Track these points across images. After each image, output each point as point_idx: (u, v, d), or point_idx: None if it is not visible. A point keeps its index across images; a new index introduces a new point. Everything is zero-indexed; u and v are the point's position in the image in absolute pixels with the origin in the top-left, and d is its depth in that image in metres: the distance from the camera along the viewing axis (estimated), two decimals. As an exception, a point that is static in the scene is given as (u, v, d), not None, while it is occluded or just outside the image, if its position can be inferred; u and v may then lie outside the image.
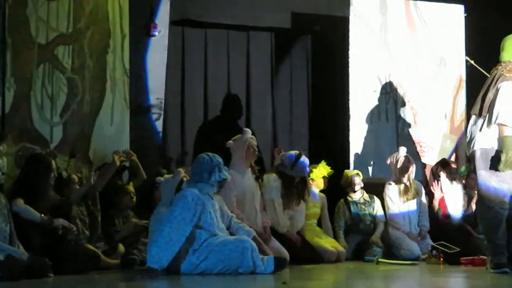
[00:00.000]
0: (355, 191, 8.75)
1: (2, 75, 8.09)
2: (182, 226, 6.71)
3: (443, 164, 8.96)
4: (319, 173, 8.46)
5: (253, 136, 7.99)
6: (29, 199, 6.80)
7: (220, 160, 6.99)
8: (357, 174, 8.85)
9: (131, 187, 8.01)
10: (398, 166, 8.67)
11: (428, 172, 9.53)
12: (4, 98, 8.08)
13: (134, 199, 7.97)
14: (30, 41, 8.32)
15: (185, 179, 7.43)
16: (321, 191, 8.61)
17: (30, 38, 8.33)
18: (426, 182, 9.38)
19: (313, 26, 10.14)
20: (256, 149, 7.98)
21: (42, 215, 6.78)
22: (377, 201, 8.76)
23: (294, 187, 8.08)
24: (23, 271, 6.22)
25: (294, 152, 8.22)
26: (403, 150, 8.79)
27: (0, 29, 8.11)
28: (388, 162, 8.80)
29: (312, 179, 8.45)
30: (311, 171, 8.40)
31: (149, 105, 9.14)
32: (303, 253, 7.85)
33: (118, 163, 7.73)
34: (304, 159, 8.13)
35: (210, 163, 6.90)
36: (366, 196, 8.76)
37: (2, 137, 7.69)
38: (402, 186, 8.66)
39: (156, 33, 9.18)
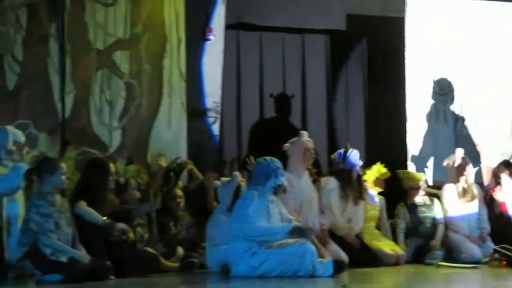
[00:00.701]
0: (418, 195, 8.63)
1: (62, 80, 8.22)
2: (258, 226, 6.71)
3: (506, 164, 8.82)
4: (372, 174, 8.39)
5: (309, 139, 7.96)
6: (89, 202, 6.88)
7: (278, 164, 6.98)
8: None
9: (179, 191, 8.05)
10: (455, 168, 8.56)
11: (487, 174, 9.38)
12: (64, 103, 8.20)
13: (182, 203, 7.99)
14: (88, 47, 8.45)
15: (242, 183, 7.46)
16: (379, 193, 8.53)
17: (89, 44, 8.45)
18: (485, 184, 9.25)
19: (369, 28, 10.06)
20: (313, 151, 7.95)
21: (104, 218, 6.86)
22: (437, 203, 8.65)
23: (351, 185, 8.02)
24: (85, 273, 6.32)
25: (341, 150, 8.19)
26: (460, 152, 8.67)
27: (60, 36, 8.24)
28: (445, 164, 8.70)
29: (365, 180, 8.38)
30: (364, 173, 8.35)
31: (206, 108, 9.19)
32: (362, 256, 7.79)
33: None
34: (352, 152, 8.08)
35: (267, 168, 6.91)
36: (426, 198, 8.65)
37: (67, 142, 7.79)
38: (460, 188, 8.55)
39: (212, 37, 9.23)
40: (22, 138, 7.10)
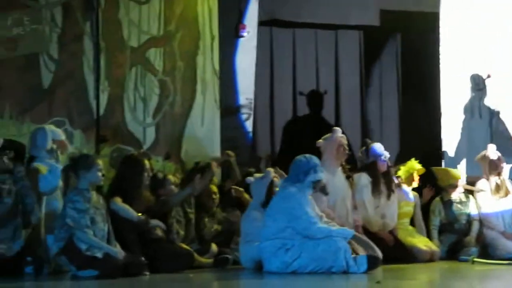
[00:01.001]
0: (456, 192, 8.57)
1: (97, 78, 8.29)
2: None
3: None
4: (406, 170, 8.34)
5: (343, 135, 7.95)
6: (125, 199, 6.93)
7: (317, 161, 6.97)
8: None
9: (214, 187, 8.08)
10: (488, 163, 8.49)
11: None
12: (98, 101, 8.27)
13: (217, 199, 8.01)
14: (122, 44, 8.51)
15: (275, 179, 7.46)
16: (413, 189, 8.48)
17: (123, 41, 8.52)
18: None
19: (403, 23, 10.01)
20: (347, 148, 7.93)
21: (139, 214, 6.91)
22: (472, 200, 8.58)
23: (380, 178, 7.99)
24: (120, 269, 6.36)
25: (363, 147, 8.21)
26: (492, 148, 8.59)
27: (94, 33, 8.31)
28: (478, 159, 8.62)
29: (400, 176, 8.34)
30: (399, 169, 8.31)
31: (239, 105, 9.22)
32: (396, 253, 7.75)
33: (215, 170, 7.80)
34: (373, 145, 8.05)
35: (307, 165, 6.90)
36: (462, 195, 8.58)
37: (103, 139, 7.86)
38: (493, 184, 8.47)
39: (245, 34, 9.26)
40: (61, 136, 7.20)
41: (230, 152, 8.35)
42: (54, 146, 7.08)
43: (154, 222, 6.98)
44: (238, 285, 6.53)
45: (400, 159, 8.50)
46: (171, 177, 7.77)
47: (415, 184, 8.44)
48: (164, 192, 7.57)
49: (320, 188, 7.02)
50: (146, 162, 7.21)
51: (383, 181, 8.06)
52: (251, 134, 9.28)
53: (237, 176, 8.27)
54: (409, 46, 10.19)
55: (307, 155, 7.03)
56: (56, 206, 6.90)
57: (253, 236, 7.20)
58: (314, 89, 9.97)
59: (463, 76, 9.61)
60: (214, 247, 7.63)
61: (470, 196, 8.60)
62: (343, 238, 6.71)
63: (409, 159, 8.50)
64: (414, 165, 8.37)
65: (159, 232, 7.08)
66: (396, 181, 8.23)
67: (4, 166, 6.73)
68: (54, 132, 7.14)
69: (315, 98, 9.90)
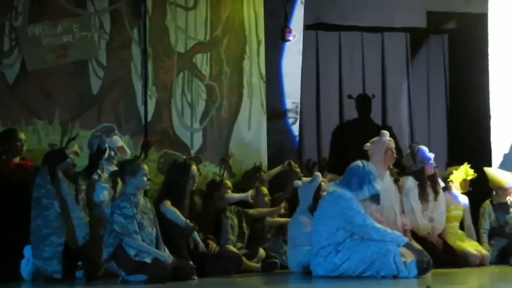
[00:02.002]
0: (508, 195, 8.45)
1: (145, 84, 8.37)
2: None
3: None
4: (459, 175, 8.25)
5: (391, 138, 7.90)
6: (173, 203, 6.98)
7: (372, 170, 6.91)
8: None
9: (264, 188, 8.10)
10: None
11: None
12: (146, 106, 8.35)
13: (267, 199, 8.04)
14: (170, 50, 8.57)
15: (323, 184, 7.44)
16: (462, 193, 8.39)
17: (170, 47, 8.58)
18: None
19: (449, 25, 9.91)
20: (394, 151, 7.88)
21: (188, 220, 6.95)
22: (523, 203, 8.46)
23: (427, 183, 7.93)
24: (169, 274, 6.40)
25: (408, 151, 8.16)
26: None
27: (142, 40, 8.39)
28: None
29: (452, 181, 8.26)
30: (451, 173, 8.22)
31: (285, 109, 9.23)
32: (445, 257, 7.68)
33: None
34: (419, 150, 7.97)
35: (362, 172, 6.84)
36: (512, 198, 8.48)
37: (148, 143, 7.94)
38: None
39: (291, 38, 9.27)
40: (118, 142, 7.35)
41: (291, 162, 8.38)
42: (112, 153, 7.18)
43: (196, 236, 7.01)
44: (286, 289, 6.54)
45: (449, 162, 8.39)
46: (228, 182, 7.82)
47: (466, 189, 8.34)
48: (219, 195, 7.63)
49: (373, 198, 6.96)
50: (194, 167, 7.25)
51: (429, 184, 7.99)
52: (297, 138, 9.27)
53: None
54: (456, 48, 10.08)
55: (364, 162, 6.98)
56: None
57: (301, 241, 7.21)
58: (361, 93, 9.92)
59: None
60: (261, 251, 7.64)
61: (521, 199, 8.48)
62: (396, 244, 6.66)
63: (457, 162, 8.41)
64: (468, 172, 8.27)
65: (213, 245, 7.12)
66: (443, 184, 8.15)
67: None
68: (112, 140, 7.32)
69: (363, 102, 9.86)
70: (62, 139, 7.03)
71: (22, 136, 7.33)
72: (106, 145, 7.15)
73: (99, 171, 7.11)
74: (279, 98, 9.23)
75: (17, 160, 7.24)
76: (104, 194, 7.11)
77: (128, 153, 7.50)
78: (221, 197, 7.71)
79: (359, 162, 6.95)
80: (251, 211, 7.85)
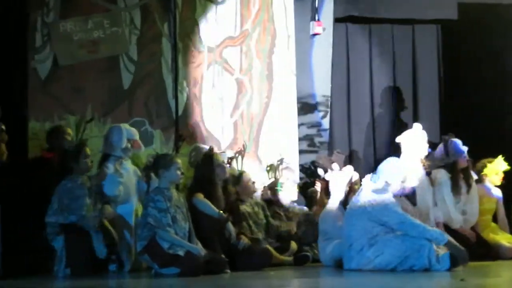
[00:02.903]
0: None
1: (175, 78, 8.40)
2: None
3: None
4: (494, 169, 8.19)
5: (423, 131, 7.86)
6: (206, 196, 7.00)
7: (405, 166, 6.87)
8: None
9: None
10: None
11: None
12: (177, 101, 8.37)
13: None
14: (200, 44, 8.59)
15: (355, 177, 7.42)
16: (497, 185, 8.32)
17: (200, 41, 8.60)
18: None
19: (482, 17, 9.81)
20: (427, 144, 7.83)
21: (221, 212, 6.97)
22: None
23: (460, 176, 7.87)
24: (202, 267, 6.43)
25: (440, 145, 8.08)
26: None
27: (172, 34, 8.42)
28: None
29: (485, 174, 8.19)
30: (485, 165, 8.16)
31: (316, 103, 9.20)
32: (478, 250, 7.62)
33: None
34: (453, 142, 7.92)
35: (395, 168, 6.81)
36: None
37: (181, 138, 7.96)
38: None
39: (321, 31, 9.22)
40: (135, 135, 7.30)
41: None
42: (129, 145, 7.18)
43: (230, 227, 7.02)
44: (317, 282, 6.51)
45: (481, 155, 8.31)
46: (247, 175, 7.83)
47: (500, 181, 8.28)
48: (240, 189, 7.64)
49: (409, 197, 6.92)
50: (219, 157, 7.29)
51: (462, 177, 7.94)
52: (328, 132, 9.25)
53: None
54: (489, 40, 9.97)
55: (394, 159, 6.95)
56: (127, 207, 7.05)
57: (333, 234, 7.20)
58: (392, 86, 9.88)
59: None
60: (293, 244, 7.64)
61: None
62: (435, 243, 6.61)
63: (489, 155, 8.34)
64: (502, 165, 8.20)
65: (245, 240, 7.12)
66: (476, 177, 8.09)
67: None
68: (129, 131, 7.25)
69: (394, 94, 9.83)
70: (77, 134, 7.07)
71: (69, 131, 7.39)
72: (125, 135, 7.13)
73: (109, 164, 7.05)
74: (309, 92, 9.20)
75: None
76: (119, 189, 7.03)
77: (143, 149, 7.45)
78: (242, 190, 7.70)
79: (391, 159, 6.92)
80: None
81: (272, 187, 8.07)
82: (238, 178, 7.74)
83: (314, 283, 6.39)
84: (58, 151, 7.20)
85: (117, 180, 7.03)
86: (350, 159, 8.99)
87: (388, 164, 6.86)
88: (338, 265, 6.95)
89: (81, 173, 6.89)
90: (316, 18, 9.23)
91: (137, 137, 7.32)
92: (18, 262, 6.59)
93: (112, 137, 7.15)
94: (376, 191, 6.72)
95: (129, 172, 7.14)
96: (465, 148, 7.98)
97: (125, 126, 7.29)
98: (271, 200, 8.00)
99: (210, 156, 7.27)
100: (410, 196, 6.91)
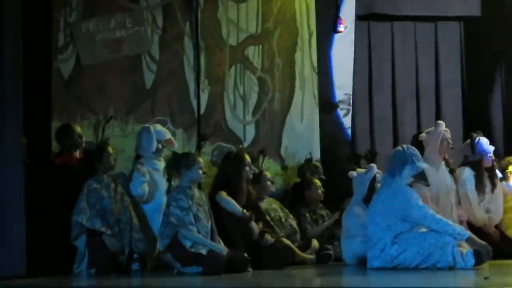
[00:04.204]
0: None
1: (197, 77, 8.41)
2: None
3: None
4: (516, 165, 8.16)
5: (447, 129, 7.82)
6: (229, 194, 7.03)
7: (414, 152, 6.84)
8: None
9: (317, 181, 8.09)
10: None
11: None
12: (199, 100, 8.39)
13: (321, 192, 8.03)
14: (222, 43, 8.61)
15: (378, 175, 7.40)
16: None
17: (222, 40, 8.61)
18: None
19: (505, 13, 9.73)
20: (450, 141, 7.80)
21: (244, 210, 6.97)
22: None
23: (485, 174, 7.83)
24: (224, 265, 6.43)
25: (467, 142, 8.08)
26: None
27: (194, 33, 8.44)
28: None
29: (510, 172, 8.14)
30: (509, 163, 8.11)
31: (338, 101, 9.20)
32: (503, 248, 7.58)
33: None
34: (480, 140, 7.87)
35: (404, 155, 6.79)
36: None
37: (205, 137, 7.98)
38: None
39: (343, 29, 9.21)
40: (166, 135, 7.33)
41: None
42: (160, 146, 7.23)
43: (254, 225, 7.02)
44: (340, 281, 6.50)
45: (505, 152, 8.26)
46: (267, 173, 7.83)
47: (524, 179, 8.23)
48: (260, 188, 7.64)
49: (420, 177, 6.86)
50: (247, 156, 7.28)
51: (486, 175, 7.89)
52: (350, 130, 9.23)
53: None
54: (512, 37, 9.90)
55: (404, 145, 6.95)
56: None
57: (355, 231, 7.18)
58: (414, 85, 9.84)
59: None
60: (315, 242, 7.63)
61: None
62: (457, 239, 6.58)
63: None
64: None
65: (269, 237, 7.12)
66: (501, 175, 8.04)
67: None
68: (159, 132, 7.28)
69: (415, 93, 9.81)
70: (97, 134, 7.11)
71: (78, 129, 7.42)
72: (154, 138, 7.16)
73: (139, 166, 7.08)
74: (331, 90, 9.20)
75: (77, 154, 7.33)
76: (142, 187, 7.06)
77: (176, 146, 7.46)
78: (262, 189, 7.70)
79: (399, 147, 6.92)
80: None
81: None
82: (258, 176, 7.75)
83: (337, 282, 6.38)
84: (72, 150, 7.24)
85: (141, 179, 7.05)
86: (372, 157, 8.94)
87: (394, 153, 6.86)
88: (361, 264, 6.93)
89: (105, 171, 6.92)
90: (339, 15, 9.21)
91: (168, 135, 7.34)
92: (42, 261, 6.62)
93: (142, 139, 7.21)
94: (395, 185, 6.69)
95: (160, 172, 7.16)
96: (491, 148, 7.93)
97: (155, 127, 7.31)
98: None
99: (240, 154, 7.28)
100: (421, 178, 6.84)
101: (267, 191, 7.79)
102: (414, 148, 6.91)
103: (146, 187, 7.05)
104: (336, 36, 9.26)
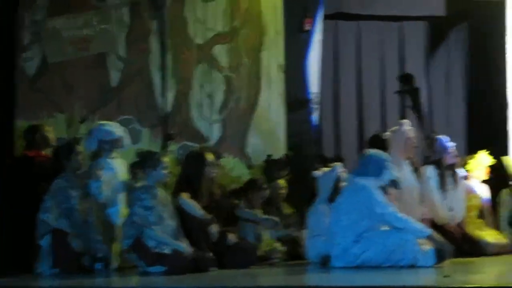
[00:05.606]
0: None
1: (164, 76, 8.41)
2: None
3: None
4: (476, 164, 8.24)
5: (411, 128, 7.90)
6: (192, 194, 7.03)
7: (388, 157, 6.96)
8: None
9: (282, 182, 8.12)
10: None
11: None
12: (165, 98, 8.39)
13: (284, 192, 8.07)
14: (189, 42, 8.61)
15: (343, 174, 7.45)
16: (483, 181, 8.36)
17: (189, 39, 8.61)
18: None
19: (469, 13, 9.85)
20: (415, 141, 7.88)
21: (205, 213, 6.97)
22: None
23: (447, 172, 7.93)
24: (188, 265, 6.45)
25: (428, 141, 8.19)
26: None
27: (161, 32, 8.44)
28: None
29: (469, 170, 8.24)
30: (467, 162, 8.21)
31: (305, 100, 9.21)
32: (464, 246, 7.68)
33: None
34: (439, 140, 7.97)
35: (379, 158, 6.87)
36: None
37: (172, 137, 7.99)
38: None
39: (310, 28, 9.23)
40: (113, 134, 7.17)
41: None
42: (106, 146, 7.12)
43: (213, 230, 7.00)
44: (304, 279, 6.56)
45: (468, 150, 8.36)
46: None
47: (485, 176, 8.32)
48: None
49: (392, 183, 6.99)
50: (209, 155, 7.28)
51: (449, 173, 7.99)
52: (317, 129, 9.28)
53: None
54: (476, 36, 10.01)
55: (378, 150, 7.02)
56: None
57: (320, 231, 7.22)
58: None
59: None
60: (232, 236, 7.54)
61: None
62: (418, 236, 6.66)
63: (476, 151, 8.39)
64: (483, 159, 8.25)
65: (233, 237, 7.15)
66: (463, 173, 8.14)
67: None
68: (106, 131, 7.14)
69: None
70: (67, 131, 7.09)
71: (47, 128, 7.40)
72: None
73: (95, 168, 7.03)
74: (299, 89, 9.20)
75: (45, 153, 7.29)
76: (101, 189, 7.00)
77: (128, 146, 7.38)
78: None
79: (373, 151, 7.00)
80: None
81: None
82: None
83: (300, 280, 6.43)
84: (42, 148, 7.22)
85: (98, 182, 7.00)
86: (338, 156, 9.01)
87: (368, 156, 6.94)
88: (326, 262, 6.98)
89: (73, 171, 6.90)
90: (306, 15, 9.24)
91: (117, 135, 7.19)
92: (11, 261, 6.62)
93: (95, 137, 7.13)
94: (359, 183, 6.77)
95: (115, 170, 7.15)
96: (451, 144, 8.03)
97: (104, 126, 7.21)
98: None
99: (201, 154, 7.29)
100: (393, 184, 6.95)
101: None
102: (385, 154, 6.98)
103: (105, 189, 7.03)
104: (303, 35, 9.27)
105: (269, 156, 8.41)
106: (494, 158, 8.39)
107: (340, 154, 9.36)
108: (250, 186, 7.81)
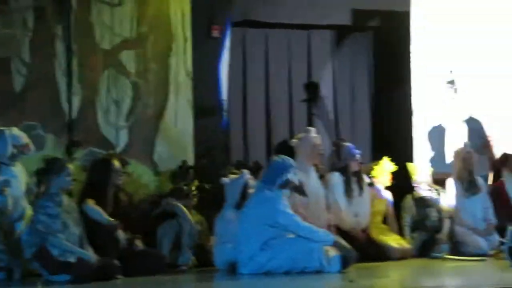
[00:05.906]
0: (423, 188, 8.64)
1: (69, 81, 8.28)
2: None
3: (505, 158, 8.81)
4: (380, 170, 8.41)
5: (317, 135, 8.00)
6: (97, 201, 6.93)
7: (291, 163, 7.00)
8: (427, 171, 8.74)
9: (188, 187, 8.10)
10: (460, 161, 8.55)
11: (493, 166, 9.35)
12: (71, 104, 8.27)
13: (193, 199, 8.05)
14: (95, 47, 8.51)
15: (250, 181, 7.48)
16: (386, 187, 8.54)
17: (95, 44, 8.51)
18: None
19: (374, 23, 10.07)
20: (321, 147, 7.98)
21: (111, 219, 6.90)
22: (443, 197, 8.64)
23: (352, 178, 8.06)
24: (93, 273, 6.36)
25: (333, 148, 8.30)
26: (466, 145, 8.68)
27: (66, 37, 8.31)
28: (451, 156, 8.70)
29: (374, 177, 8.40)
30: (372, 168, 8.37)
31: (213, 107, 9.22)
32: (369, 251, 7.79)
33: None
34: (343, 146, 8.12)
35: (281, 166, 6.93)
36: (433, 192, 8.65)
37: (77, 144, 7.85)
38: (464, 181, 8.53)
39: (217, 35, 9.25)
40: (22, 140, 7.03)
41: None
42: (15, 151, 6.98)
43: (120, 235, 6.94)
44: (212, 286, 6.55)
45: (373, 157, 8.52)
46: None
47: (388, 182, 8.50)
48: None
49: (297, 189, 7.06)
50: (115, 161, 7.21)
51: (354, 180, 8.13)
52: (225, 136, 9.29)
53: None
54: (381, 45, 10.25)
55: (282, 156, 7.08)
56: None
57: (228, 237, 7.22)
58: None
59: (435, 73, 9.67)
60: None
61: (441, 193, 8.67)
62: (323, 243, 6.74)
63: (381, 157, 8.56)
64: (387, 166, 8.43)
65: (139, 244, 7.09)
66: (368, 180, 8.30)
67: None
68: (15, 136, 6.99)
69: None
70: None
71: None
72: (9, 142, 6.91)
73: None
74: (207, 96, 9.21)
75: None
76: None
77: (33, 152, 7.17)
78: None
79: (276, 157, 7.06)
80: None
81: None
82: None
83: (208, 287, 6.43)
84: None
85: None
86: (257, 170, 9.03)
87: (270, 163, 6.98)
88: (233, 269, 6.99)
89: None
90: (213, 22, 9.26)
91: (25, 140, 7.05)
92: None
93: (8, 141, 6.96)
94: (265, 193, 6.81)
95: (18, 178, 6.98)
96: (356, 152, 8.17)
97: (11, 131, 7.04)
98: None
99: (107, 160, 7.21)
100: (299, 188, 7.03)
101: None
102: (291, 159, 7.04)
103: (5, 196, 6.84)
104: (211, 42, 9.28)
105: (184, 162, 8.37)
106: (399, 164, 8.58)
107: (248, 161, 9.39)
108: (176, 194, 7.76)
